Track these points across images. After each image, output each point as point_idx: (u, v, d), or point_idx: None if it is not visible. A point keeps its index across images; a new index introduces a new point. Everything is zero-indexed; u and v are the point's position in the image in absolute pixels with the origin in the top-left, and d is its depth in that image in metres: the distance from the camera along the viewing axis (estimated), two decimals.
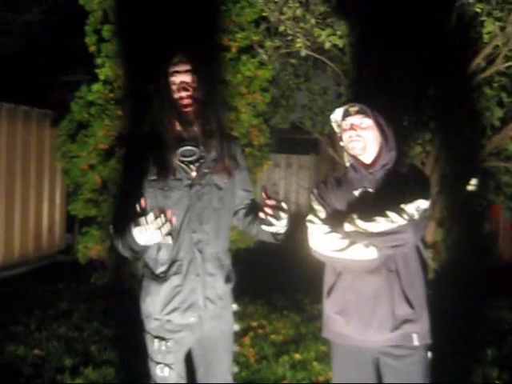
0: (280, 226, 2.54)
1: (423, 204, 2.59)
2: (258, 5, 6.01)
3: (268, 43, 6.19)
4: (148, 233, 2.41)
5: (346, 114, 2.76)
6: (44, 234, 8.38)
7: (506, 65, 5.82)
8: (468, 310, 5.78)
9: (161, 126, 2.66)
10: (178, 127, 2.67)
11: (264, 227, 2.56)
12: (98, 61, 6.16)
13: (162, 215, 2.40)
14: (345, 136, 2.77)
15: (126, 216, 2.53)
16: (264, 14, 6.10)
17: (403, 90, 5.71)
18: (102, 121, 6.05)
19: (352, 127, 2.72)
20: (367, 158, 2.75)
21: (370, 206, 2.63)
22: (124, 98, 6.04)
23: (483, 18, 5.30)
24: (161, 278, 2.62)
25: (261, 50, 6.29)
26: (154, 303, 2.64)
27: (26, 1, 9.56)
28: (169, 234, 2.46)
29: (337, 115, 2.82)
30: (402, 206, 2.56)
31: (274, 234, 2.64)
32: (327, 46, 5.86)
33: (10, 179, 7.60)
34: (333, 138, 7.90)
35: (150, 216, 2.39)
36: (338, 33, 5.68)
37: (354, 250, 2.59)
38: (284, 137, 10.52)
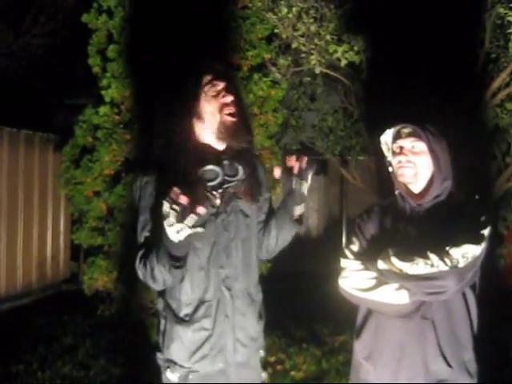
0: (307, 182, 2.33)
1: (473, 250, 2.25)
2: (270, 21, 5.74)
3: (281, 61, 5.93)
4: (175, 227, 2.02)
5: (397, 136, 2.48)
6: (48, 263, 8.14)
7: None
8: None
9: (176, 143, 2.33)
10: (204, 140, 2.37)
11: (294, 183, 2.33)
12: (104, 82, 5.89)
13: (180, 206, 1.99)
14: (394, 161, 2.49)
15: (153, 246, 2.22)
16: (276, 31, 5.84)
17: (424, 107, 5.43)
18: (109, 145, 5.76)
19: (402, 151, 2.44)
20: (417, 187, 2.46)
21: (412, 243, 2.33)
22: (132, 121, 5.76)
23: (510, 31, 5.02)
24: (186, 322, 2.28)
25: (273, 68, 6.02)
26: (181, 350, 2.30)
27: (28, 22, 9.37)
28: (196, 225, 2.03)
29: (387, 137, 2.54)
30: (448, 248, 2.24)
31: (297, 219, 2.41)
32: (343, 62, 5.60)
33: (12, 206, 7.38)
34: (345, 159, 7.69)
35: (166, 206, 2.00)
36: (355, 48, 5.40)
37: (383, 292, 2.31)
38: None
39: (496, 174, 6.28)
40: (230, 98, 2.35)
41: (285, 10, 5.53)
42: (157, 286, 2.26)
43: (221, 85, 2.36)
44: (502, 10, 5.22)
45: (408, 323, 2.32)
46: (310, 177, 2.33)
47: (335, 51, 5.57)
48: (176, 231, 2.01)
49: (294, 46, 5.76)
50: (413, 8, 5.25)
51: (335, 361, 5.09)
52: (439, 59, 5.23)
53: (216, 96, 2.35)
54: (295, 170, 2.31)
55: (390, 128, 2.52)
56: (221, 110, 2.34)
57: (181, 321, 2.29)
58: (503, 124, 6.01)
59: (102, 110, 5.83)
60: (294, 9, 5.53)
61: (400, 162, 2.44)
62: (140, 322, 5.64)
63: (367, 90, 6.06)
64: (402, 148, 2.44)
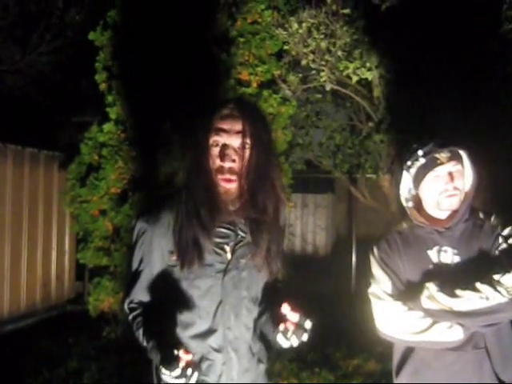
0: (296, 344, 1.88)
1: None
2: (280, 37, 5.64)
3: (291, 77, 5.82)
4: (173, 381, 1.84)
5: (435, 164, 2.24)
6: (52, 283, 7.99)
7: None
8: None
9: (188, 195, 2.05)
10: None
11: (280, 339, 1.87)
12: (109, 99, 5.81)
13: (190, 369, 1.80)
14: (433, 190, 2.27)
15: (145, 309, 2.08)
16: (286, 47, 5.75)
17: (440, 122, 5.30)
18: (115, 163, 5.67)
19: (450, 178, 2.23)
20: (445, 213, 2.30)
21: (450, 274, 2.18)
22: (138, 139, 5.66)
23: None
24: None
25: (283, 85, 5.91)
26: None
27: (34, 40, 9.33)
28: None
29: (416, 164, 2.28)
30: (497, 277, 2.08)
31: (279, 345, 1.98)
32: (354, 79, 5.49)
33: (16, 225, 7.25)
34: (354, 177, 7.57)
35: (176, 372, 1.79)
36: (367, 65, 5.29)
37: (436, 331, 2.15)
38: (297, 176, 10.25)
39: None
40: (227, 164, 1.99)
41: (295, 26, 5.44)
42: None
43: (225, 138, 2.00)
44: None
45: (461, 356, 2.17)
46: (304, 338, 1.85)
47: (346, 67, 5.46)
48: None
49: (303, 62, 5.65)
50: (427, 23, 5.13)
51: None
52: (457, 74, 5.09)
53: (216, 156, 2.01)
54: (290, 327, 1.85)
55: (412, 151, 2.29)
56: (216, 172, 2.01)
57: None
58: None
59: (107, 127, 5.75)
60: (304, 24, 5.44)
61: (447, 190, 2.24)
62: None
63: (379, 106, 5.94)
64: (447, 175, 2.24)
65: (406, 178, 2.34)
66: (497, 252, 2.17)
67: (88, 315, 6.24)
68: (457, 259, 2.23)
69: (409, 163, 2.31)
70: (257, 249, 2.08)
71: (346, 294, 8.94)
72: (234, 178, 2.00)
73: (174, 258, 2.06)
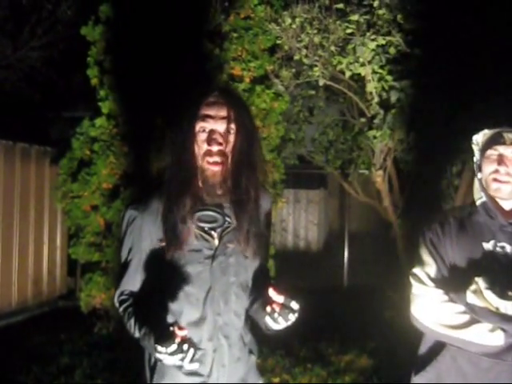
0: (285, 325, 1.92)
1: None
2: (273, 32, 5.61)
3: (284, 72, 5.79)
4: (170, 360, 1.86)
5: (498, 141, 2.10)
6: (44, 279, 7.97)
7: None
8: None
9: (175, 181, 2.09)
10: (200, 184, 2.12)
11: (268, 320, 1.92)
12: (101, 93, 5.76)
13: (185, 345, 1.82)
14: (488, 168, 2.13)
15: (137, 297, 2.11)
16: (279, 42, 5.72)
17: (435, 116, 5.27)
18: (107, 158, 5.63)
19: (503, 161, 2.08)
20: (508, 204, 2.14)
21: (505, 271, 2.03)
22: (130, 134, 5.63)
23: None
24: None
25: (276, 80, 5.89)
26: None
27: (26, 35, 9.27)
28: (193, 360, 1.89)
29: (483, 137, 2.17)
30: None
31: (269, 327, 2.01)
32: (347, 74, 5.47)
33: (7, 220, 7.22)
34: (346, 172, 7.56)
35: (172, 347, 1.81)
36: (361, 60, 5.26)
37: (475, 331, 1.99)
38: (289, 171, 10.26)
39: None
40: (215, 147, 2.05)
41: (288, 21, 5.40)
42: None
43: (211, 123, 2.06)
44: None
45: (499, 365, 2.00)
46: (291, 318, 1.88)
47: (339, 63, 5.43)
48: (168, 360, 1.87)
49: (296, 57, 5.62)
50: (420, 17, 5.11)
51: (341, 381, 4.93)
52: (451, 67, 5.03)
53: (203, 140, 2.06)
54: (276, 308, 1.89)
55: (488, 128, 2.16)
56: (203, 156, 2.07)
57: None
58: None
59: (99, 121, 5.71)
60: (298, 19, 5.40)
61: (497, 172, 2.09)
62: (138, 340, 5.47)
63: (372, 102, 5.91)
64: (502, 157, 2.09)
65: (475, 152, 2.21)
66: None
67: (80, 311, 6.19)
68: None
69: (476, 136, 2.19)
70: (240, 232, 2.12)
71: (338, 289, 8.96)
72: (220, 160, 2.07)
73: (163, 244, 2.08)
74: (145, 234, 2.11)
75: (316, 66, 5.54)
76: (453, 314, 2.04)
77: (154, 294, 2.11)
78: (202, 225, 2.10)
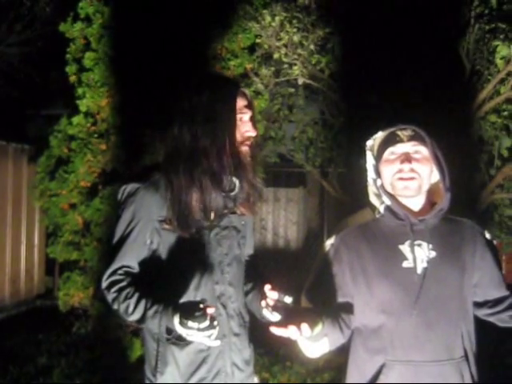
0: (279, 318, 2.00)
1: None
2: (253, 30, 5.60)
3: (263, 71, 5.79)
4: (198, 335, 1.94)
5: (394, 140, 2.08)
6: (21, 278, 7.88)
7: None
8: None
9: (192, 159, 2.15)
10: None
11: (265, 313, 2.03)
12: (79, 91, 5.72)
13: (215, 321, 1.92)
14: (388, 170, 2.09)
15: (136, 277, 2.13)
16: (258, 41, 5.71)
17: (407, 119, 5.32)
18: (84, 156, 5.58)
19: (406, 158, 2.05)
20: (415, 202, 2.12)
21: (429, 269, 2.06)
22: (108, 132, 5.59)
23: (497, 42, 4.93)
24: (181, 343, 2.11)
25: (256, 79, 5.88)
26: (177, 374, 2.14)
27: (3, 31, 9.17)
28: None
29: (376, 140, 2.15)
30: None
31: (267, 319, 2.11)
32: (327, 73, 5.48)
33: None
34: (326, 171, 7.58)
35: (205, 323, 1.90)
36: (339, 59, 5.28)
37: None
38: (269, 170, 10.26)
39: (480, 186, 6.19)
40: (253, 133, 2.21)
41: (268, 19, 5.39)
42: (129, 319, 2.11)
43: (249, 112, 2.21)
44: (483, 26, 5.13)
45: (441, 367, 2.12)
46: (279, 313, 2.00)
47: (319, 61, 5.44)
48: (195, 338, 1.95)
49: (276, 56, 5.61)
50: (397, 19, 5.14)
51: (320, 379, 4.95)
52: (425, 72, 5.10)
53: (241, 125, 2.19)
54: (270, 302, 2.00)
55: (380, 130, 2.15)
56: (242, 142, 2.19)
57: (175, 342, 2.13)
58: (487, 136, 5.94)
59: (76, 119, 5.66)
60: (277, 18, 5.40)
61: (401, 171, 2.06)
62: (117, 340, 5.44)
63: (349, 101, 5.94)
64: (404, 155, 2.06)
65: (369, 157, 2.18)
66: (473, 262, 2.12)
67: (58, 311, 6.14)
68: (433, 254, 2.08)
69: (369, 142, 2.18)
70: (239, 203, 2.26)
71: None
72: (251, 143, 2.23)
73: (166, 226, 2.13)
74: (145, 207, 2.13)
75: (295, 64, 5.54)
76: None
77: (157, 272, 2.16)
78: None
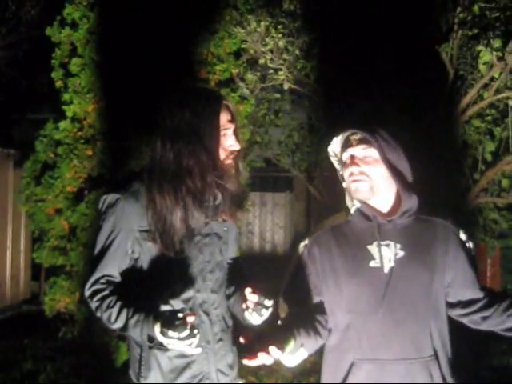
0: (260, 320, 2.10)
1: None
2: (239, 35, 5.63)
3: (249, 76, 5.82)
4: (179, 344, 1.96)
5: (346, 144, 2.15)
6: (7, 283, 7.85)
7: (498, 97, 5.52)
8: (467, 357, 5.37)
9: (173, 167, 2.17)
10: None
11: (247, 315, 2.11)
12: (66, 97, 5.71)
13: (195, 330, 1.94)
14: (346, 174, 2.16)
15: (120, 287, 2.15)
16: (244, 46, 5.74)
17: (394, 123, 5.36)
18: (71, 161, 5.57)
19: (353, 161, 2.12)
20: (379, 202, 2.15)
21: (396, 267, 2.10)
22: (94, 137, 5.59)
23: (480, 48, 4.99)
24: (164, 347, 2.11)
25: (241, 84, 5.91)
26: (160, 379, 2.17)
27: None
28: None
29: (335, 146, 2.22)
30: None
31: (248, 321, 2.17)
32: (312, 78, 5.52)
33: None
34: (312, 175, 7.62)
35: (185, 333, 1.92)
36: (325, 64, 5.32)
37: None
38: (256, 174, 10.30)
39: (464, 190, 6.25)
40: (237, 147, 2.24)
41: (253, 24, 5.43)
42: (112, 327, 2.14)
43: (234, 123, 2.24)
44: (466, 31, 5.18)
45: (409, 365, 2.16)
46: (264, 314, 2.09)
47: (304, 67, 5.48)
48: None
49: (262, 61, 5.65)
50: (382, 25, 5.19)
51: (306, 382, 4.96)
52: (409, 77, 5.15)
53: (226, 137, 2.22)
54: (250, 304, 2.10)
55: (337, 136, 2.22)
56: (229, 155, 2.23)
57: (158, 347, 2.15)
58: (471, 140, 5.99)
59: (62, 124, 5.65)
60: (263, 23, 5.44)
61: (352, 173, 2.12)
62: (103, 344, 5.43)
63: (335, 105, 5.98)
64: (352, 157, 2.12)
65: (335, 163, 2.27)
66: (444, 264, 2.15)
67: (44, 316, 6.12)
68: (401, 253, 2.11)
69: (330, 147, 2.26)
70: (221, 211, 2.28)
71: None
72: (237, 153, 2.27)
73: (148, 240, 2.16)
74: (126, 218, 2.16)
75: (281, 69, 5.58)
76: None
77: (139, 281, 2.18)
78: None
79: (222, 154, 2.20)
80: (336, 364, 2.18)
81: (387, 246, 2.11)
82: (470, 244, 2.22)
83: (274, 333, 2.00)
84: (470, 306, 2.17)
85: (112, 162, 5.51)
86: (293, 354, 1.99)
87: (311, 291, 2.18)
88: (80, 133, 5.67)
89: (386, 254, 2.10)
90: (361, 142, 2.11)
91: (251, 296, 2.05)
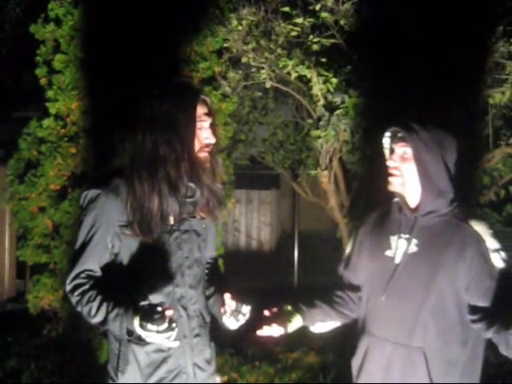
0: (237, 325, 2.28)
1: None
2: (220, 34, 5.66)
3: (231, 74, 5.85)
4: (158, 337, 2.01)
5: (392, 140, 2.35)
6: None
7: None
8: None
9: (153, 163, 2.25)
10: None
11: (224, 320, 2.26)
12: (50, 94, 5.72)
13: (174, 323, 1.99)
14: (387, 165, 2.36)
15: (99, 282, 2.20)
16: (226, 45, 5.76)
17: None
18: (54, 159, 5.58)
19: (392, 156, 2.32)
20: (409, 197, 2.30)
21: (410, 263, 2.24)
22: (78, 135, 5.60)
23: None
24: (142, 342, 2.18)
25: (224, 82, 5.94)
26: (138, 373, 2.22)
27: None
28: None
29: (386, 139, 2.40)
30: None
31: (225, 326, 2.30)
32: (293, 76, 5.54)
33: None
34: (296, 173, 7.66)
35: (164, 326, 1.96)
36: (306, 62, 5.35)
37: None
38: (242, 172, 10.32)
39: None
40: (213, 140, 2.30)
41: (235, 23, 5.46)
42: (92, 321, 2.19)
43: (209, 119, 2.30)
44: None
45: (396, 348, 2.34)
46: (240, 319, 2.24)
47: (285, 65, 5.50)
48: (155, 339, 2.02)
49: (244, 60, 5.67)
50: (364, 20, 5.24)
51: (288, 378, 5.01)
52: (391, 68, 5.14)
53: (200, 132, 2.29)
54: (228, 309, 2.23)
55: (387, 131, 2.39)
56: (201, 148, 2.29)
57: (136, 341, 2.20)
58: None
59: (46, 122, 5.66)
60: (244, 22, 5.46)
61: (389, 167, 2.31)
62: (88, 342, 5.45)
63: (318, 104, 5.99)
64: (392, 152, 2.32)
65: (386, 152, 2.42)
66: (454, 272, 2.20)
67: (28, 314, 6.13)
68: (414, 249, 2.24)
69: (384, 141, 2.41)
70: (199, 208, 2.36)
71: (288, 289, 9.03)
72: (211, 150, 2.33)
73: (127, 232, 2.23)
74: (106, 213, 2.22)
75: (263, 68, 5.60)
76: None
77: (119, 275, 2.24)
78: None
79: (197, 146, 2.27)
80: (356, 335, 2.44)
81: (407, 239, 2.26)
82: (501, 254, 2.23)
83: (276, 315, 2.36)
84: (472, 313, 2.22)
85: (96, 159, 5.52)
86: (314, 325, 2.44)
87: (349, 266, 2.46)
88: (63, 130, 5.68)
89: (401, 247, 2.26)
90: (401, 139, 2.28)
91: (230, 302, 2.19)
